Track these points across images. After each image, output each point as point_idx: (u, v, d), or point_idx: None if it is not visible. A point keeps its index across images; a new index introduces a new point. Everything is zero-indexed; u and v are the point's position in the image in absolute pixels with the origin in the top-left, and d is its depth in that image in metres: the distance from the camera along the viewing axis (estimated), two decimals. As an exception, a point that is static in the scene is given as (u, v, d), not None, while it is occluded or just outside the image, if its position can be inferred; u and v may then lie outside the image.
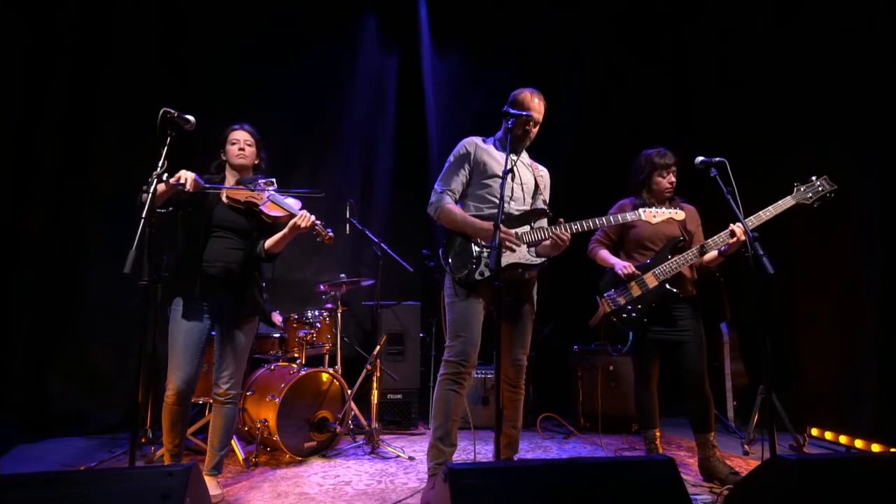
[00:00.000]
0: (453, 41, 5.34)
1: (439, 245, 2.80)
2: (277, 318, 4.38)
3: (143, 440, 3.51)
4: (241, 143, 2.69)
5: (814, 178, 2.78)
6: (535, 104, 2.70)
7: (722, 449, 3.68)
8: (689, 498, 1.59)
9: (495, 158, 2.75)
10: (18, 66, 3.94)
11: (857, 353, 3.72)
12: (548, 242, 2.65)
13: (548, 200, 2.93)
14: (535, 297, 2.85)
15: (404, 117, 5.32)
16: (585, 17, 5.33)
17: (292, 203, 2.60)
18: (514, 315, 2.77)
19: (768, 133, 4.38)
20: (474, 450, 3.56)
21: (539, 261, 2.73)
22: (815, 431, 3.89)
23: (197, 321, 2.53)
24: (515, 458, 2.88)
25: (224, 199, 2.64)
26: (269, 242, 2.64)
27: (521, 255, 2.69)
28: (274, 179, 2.66)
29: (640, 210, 2.68)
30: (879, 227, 3.62)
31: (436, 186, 2.80)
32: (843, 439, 3.71)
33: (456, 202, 2.77)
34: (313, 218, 2.55)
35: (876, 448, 3.46)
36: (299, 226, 2.52)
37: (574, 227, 2.58)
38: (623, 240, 3.16)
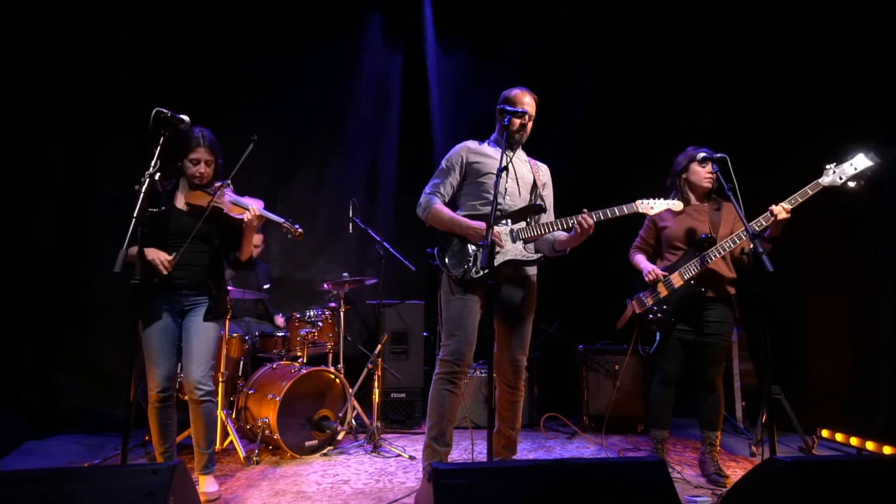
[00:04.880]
0: (458, 39, 5.30)
1: (438, 245, 2.78)
2: (280, 320, 4.40)
3: (146, 437, 3.54)
4: (201, 166, 2.62)
5: (852, 154, 2.61)
6: (527, 101, 2.74)
7: (730, 450, 3.64)
8: (679, 499, 1.55)
9: (490, 157, 2.74)
10: (26, 67, 3.99)
11: (869, 354, 3.63)
12: (562, 236, 2.64)
13: (551, 196, 2.91)
14: (536, 297, 2.80)
15: (409, 115, 5.29)
16: (589, 16, 5.25)
17: (249, 201, 2.64)
18: (512, 314, 2.72)
19: (775, 132, 4.29)
20: (472, 449, 3.53)
21: (535, 256, 2.70)
22: (825, 433, 3.82)
23: (164, 321, 2.60)
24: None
25: (183, 206, 2.64)
26: (240, 252, 2.67)
27: (517, 251, 2.66)
28: (230, 181, 2.67)
29: (636, 202, 2.63)
30: (889, 225, 3.53)
31: (425, 188, 2.81)
32: (853, 441, 3.62)
33: (445, 205, 2.75)
34: (262, 212, 2.59)
35: (888, 450, 3.37)
36: (251, 222, 2.56)
37: (596, 216, 2.55)
38: (658, 242, 3.15)
